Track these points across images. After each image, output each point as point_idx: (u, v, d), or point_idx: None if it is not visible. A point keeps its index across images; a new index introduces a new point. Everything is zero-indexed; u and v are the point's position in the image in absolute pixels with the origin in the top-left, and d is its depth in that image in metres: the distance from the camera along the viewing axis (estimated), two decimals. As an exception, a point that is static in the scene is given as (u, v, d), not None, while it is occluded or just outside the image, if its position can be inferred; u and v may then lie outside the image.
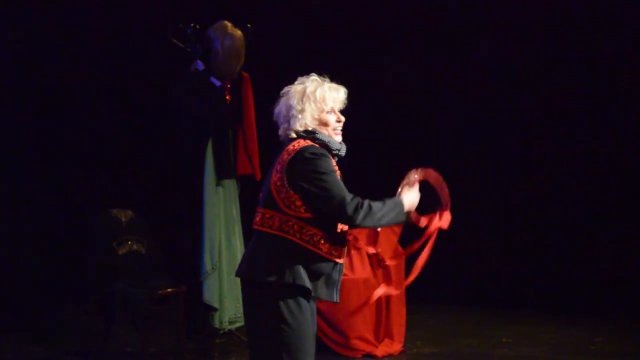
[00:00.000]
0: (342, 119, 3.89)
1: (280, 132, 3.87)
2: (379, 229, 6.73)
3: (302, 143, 3.78)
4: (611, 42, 8.21)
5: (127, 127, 8.53)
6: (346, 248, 3.86)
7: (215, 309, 6.50)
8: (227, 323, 6.57)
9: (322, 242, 3.74)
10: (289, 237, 3.73)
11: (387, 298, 6.70)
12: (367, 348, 6.56)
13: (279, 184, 3.75)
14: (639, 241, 8.17)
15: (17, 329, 7.41)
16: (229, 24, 6.61)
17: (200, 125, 6.55)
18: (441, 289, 8.48)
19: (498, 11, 8.52)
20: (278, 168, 3.77)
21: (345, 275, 6.54)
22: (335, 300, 3.84)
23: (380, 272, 6.70)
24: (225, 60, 6.52)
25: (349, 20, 8.84)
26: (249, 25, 6.70)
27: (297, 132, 3.82)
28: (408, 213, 3.90)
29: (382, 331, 6.66)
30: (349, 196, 3.71)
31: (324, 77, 3.89)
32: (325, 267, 3.77)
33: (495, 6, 8.53)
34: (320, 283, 3.78)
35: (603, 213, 8.33)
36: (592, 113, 8.40)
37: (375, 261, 6.72)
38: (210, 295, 6.46)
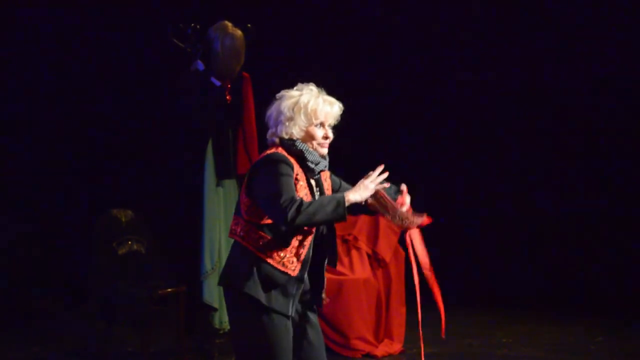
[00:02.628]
0: (330, 135, 3.78)
1: (268, 135, 3.82)
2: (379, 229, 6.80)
3: (272, 150, 3.74)
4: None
5: (127, 126, 8.53)
6: (302, 263, 3.72)
7: (215, 309, 6.50)
8: (227, 323, 6.56)
9: (275, 251, 3.68)
10: (245, 244, 3.71)
11: (387, 298, 6.70)
12: (367, 348, 6.55)
13: (242, 189, 3.76)
14: (639, 240, 8.18)
15: (17, 329, 7.41)
16: (229, 24, 6.60)
17: (201, 125, 6.55)
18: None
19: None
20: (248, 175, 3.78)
21: (345, 275, 6.55)
22: (289, 314, 3.72)
23: (380, 272, 6.70)
24: (225, 60, 6.52)
25: (349, 21, 8.84)
26: (249, 25, 6.70)
27: (281, 139, 3.76)
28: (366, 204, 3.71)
29: (382, 331, 6.66)
30: (287, 195, 3.58)
31: (320, 88, 3.80)
32: (279, 277, 3.69)
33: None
34: (276, 293, 3.69)
35: (602, 212, 8.33)
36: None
37: (375, 261, 6.72)
38: (210, 295, 6.45)
